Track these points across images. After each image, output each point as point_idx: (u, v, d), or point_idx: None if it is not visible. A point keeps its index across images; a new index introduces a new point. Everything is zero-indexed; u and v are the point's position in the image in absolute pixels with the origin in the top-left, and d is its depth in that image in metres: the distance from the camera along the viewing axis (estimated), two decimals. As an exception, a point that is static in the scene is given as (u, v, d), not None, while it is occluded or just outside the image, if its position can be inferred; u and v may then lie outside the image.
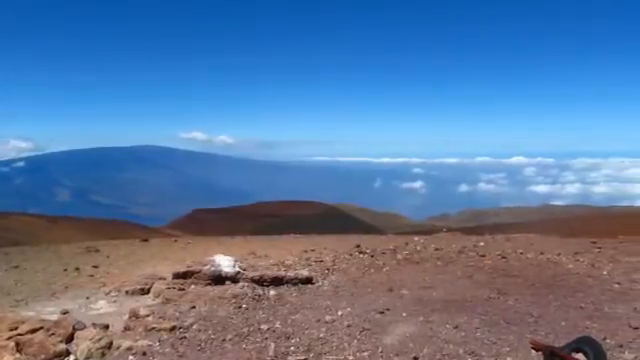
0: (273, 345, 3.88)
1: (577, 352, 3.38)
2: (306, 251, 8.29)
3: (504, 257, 7.14)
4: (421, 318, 4.47)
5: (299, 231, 13.32)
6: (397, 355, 3.70)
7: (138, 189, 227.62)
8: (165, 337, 4.05)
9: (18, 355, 3.81)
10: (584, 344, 3.41)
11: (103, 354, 3.76)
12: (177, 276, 5.71)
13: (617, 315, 4.52)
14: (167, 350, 3.84)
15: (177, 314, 4.57)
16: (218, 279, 5.58)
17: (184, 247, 10.00)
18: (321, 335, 4.09)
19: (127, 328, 4.27)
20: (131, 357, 3.74)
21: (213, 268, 5.69)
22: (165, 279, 5.91)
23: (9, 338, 3.99)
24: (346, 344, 3.91)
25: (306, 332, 4.17)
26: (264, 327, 4.27)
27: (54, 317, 4.68)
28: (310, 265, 6.96)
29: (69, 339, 3.94)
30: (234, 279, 5.59)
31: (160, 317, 4.49)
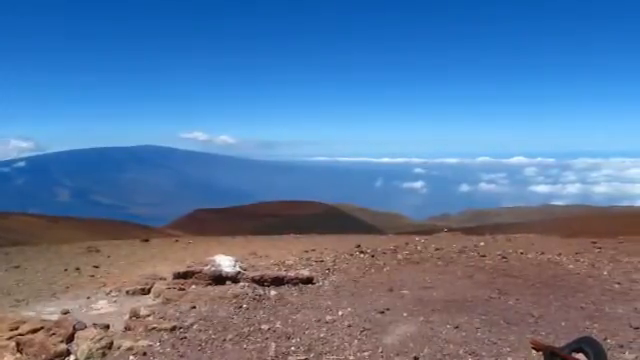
0: (274, 345, 3.88)
1: (578, 352, 3.38)
2: (307, 251, 8.30)
3: (504, 257, 7.14)
4: (421, 318, 4.47)
5: (299, 231, 13.32)
6: (397, 355, 3.70)
7: (138, 189, 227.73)
8: (166, 337, 4.05)
9: (19, 355, 3.82)
10: (585, 344, 3.41)
11: (104, 354, 3.76)
12: (177, 276, 5.72)
13: (618, 315, 4.51)
14: (168, 350, 3.84)
15: (177, 314, 4.57)
16: (219, 279, 5.58)
17: (185, 247, 10.01)
18: (322, 335, 4.09)
19: (128, 328, 4.27)
20: (132, 357, 3.74)
21: (214, 268, 5.69)
22: (165, 279, 5.91)
23: (10, 338, 4.00)
24: (347, 344, 3.91)
25: (307, 332, 4.17)
26: (265, 327, 4.27)
27: (55, 317, 4.68)
28: (311, 265, 6.96)
29: (70, 339, 3.94)
30: (235, 279, 5.59)
31: (161, 317, 4.49)
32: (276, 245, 9.53)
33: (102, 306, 5.34)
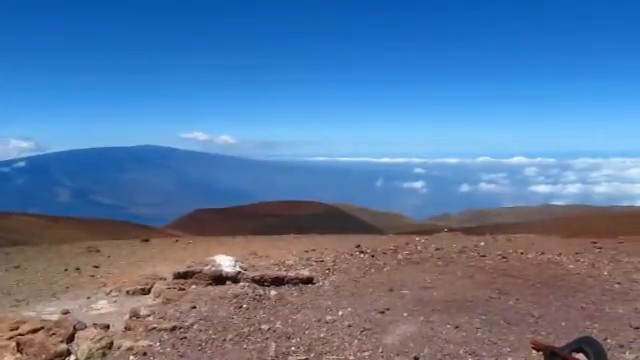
0: (274, 345, 3.88)
1: (578, 352, 3.38)
2: (307, 251, 8.30)
3: (505, 257, 7.14)
4: (422, 318, 4.46)
5: (299, 231, 13.33)
6: (398, 355, 3.70)
7: (138, 189, 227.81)
8: (166, 337, 4.05)
9: (19, 355, 3.82)
10: (585, 344, 3.41)
11: (104, 354, 3.76)
12: (178, 276, 5.72)
13: (618, 315, 4.51)
14: (168, 350, 3.84)
15: (178, 314, 4.57)
16: (219, 279, 5.58)
17: (185, 247, 10.01)
18: (322, 335, 4.09)
19: (128, 328, 4.27)
20: (132, 357, 3.74)
21: (214, 268, 5.69)
22: (166, 279, 5.91)
23: (10, 338, 3.99)
24: (347, 344, 3.91)
25: (307, 332, 4.17)
26: (265, 327, 4.27)
27: (55, 317, 4.68)
28: (311, 265, 6.96)
29: (70, 339, 3.94)
30: (235, 279, 5.59)
31: (161, 317, 4.49)
32: (276, 245, 9.54)
33: (102, 306, 5.34)
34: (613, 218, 44.09)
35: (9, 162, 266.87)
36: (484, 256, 7.26)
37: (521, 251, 7.60)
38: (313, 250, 8.36)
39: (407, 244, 8.57)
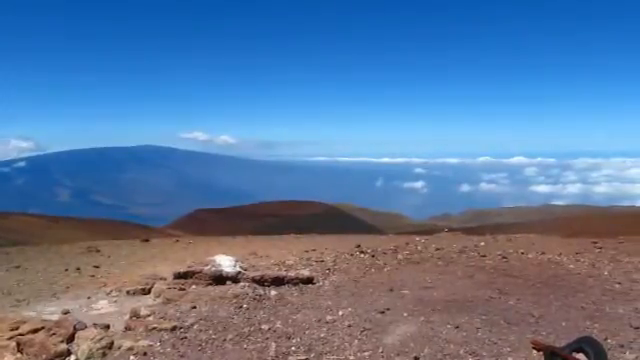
0: (274, 345, 3.88)
1: (578, 352, 3.38)
2: (307, 251, 8.30)
3: (505, 257, 7.14)
4: (422, 318, 4.46)
5: (299, 231, 13.33)
6: (398, 355, 3.70)
7: (138, 189, 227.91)
8: (166, 337, 4.05)
9: (19, 355, 3.82)
10: (585, 344, 3.41)
11: (104, 354, 3.76)
12: (178, 276, 5.72)
13: (618, 315, 4.51)
14: (168, 350, 3.84)
15: (178, 314, 4.57)
16: (219, 279, 5.58)
17: (185, 247, 10.01)
18: (322, 335, 4.09)
19: (128, 328, 4.27)
20: (132, 357, 3.74)
21: (214, 268, 5.69)
22: (166, 279, 5.91)
23: (10, 338, 3.99)
24: (347, 344, 3.91)
25: (307, 332, 4.17)
26: (265, 327, 4.27)
27: (55, 317, 4.68)
28: (311, 265, 6.96)
29: (70, 339, 3.93)
30: (235, 279, 5.59)
31: (161, 317, 4.49)
32: (276, 245, 9.54)
33: (102, 306, 5.34)
34: (613, 218, 44.10)
35: (9, 162, 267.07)
36: (484, 256, 7.26)
37: (521, 251, 7.60)
38: (313, 250, 8.36)
39: (407, 244, 8.57)
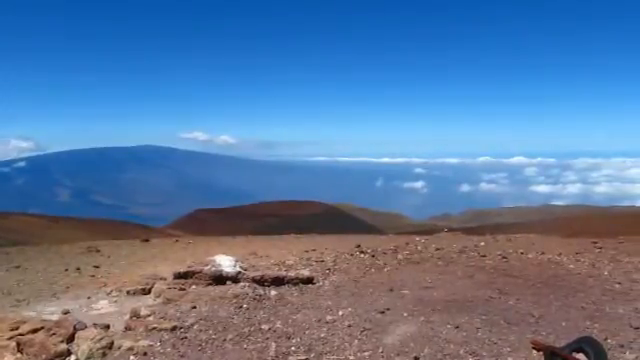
0: (274, 345, 3.88)
1: (578, 352, 3.38)
2: (307, 251, 8.30)
3: (505, 257, 7.14)
4: (422, 318, 4.46)
5: (299, 231, 13.33)
6: (398, 355, 3.70)
7: (138, 189, 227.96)
8: (166, 337, 4.05)
9: (19, 355, 3.82)
10: (585, 344, 3.41)
11: (104, 354, 3.76)
12: (178, 276, 5.72)
13: (618, 315, 4.51)
14: (168, 350, 3.84)
15: (178, 314, 4.57)
16: (219, 279, 5.58)
17: (185, 247, 10.01)
18: (322, 335, 4.09)
19: (128, 328, 4.27)
20: (132, 357, 3.74)
21: (214, 268, 5.69)
22: (166, 279, 5.91)
23: (10, 338, 3.99)
24: (347, 344, 3.91)
25: (307, 332, 4.17)
26: (265, 327, 4.27)
27: (55, 317, 4.68)
28: (311, 265, 6.96)
29: (70, 339, 3.94)
30: (235, 279, 5.59)
31: (161, 317, 4.49)
32: (276, 245, 9.54)
33: (102, 306, 5.34)
34: (613, 218, 44.11)
35: (9, 162, 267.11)
36: (484, 256, 7.26)
37: (521, 251, 7.60)
38: (313, 250, 8.36)
39: (407, 244, 8.57)
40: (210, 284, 5.51)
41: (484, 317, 4.46)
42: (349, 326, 4.27)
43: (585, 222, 38.90)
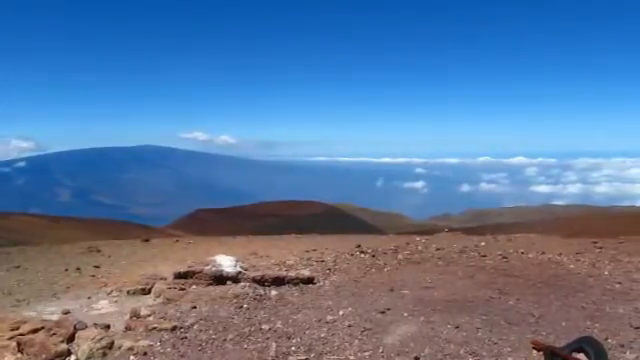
0: (274, 345, 3.88)
1: (578, 352, 3.38)
2: (307, 251, 8.30)
3: (505, 257, 7.14)
4: (422, 318, 4.46)
5: (300, 231, 13.33)
6: (398, 355, 3.70)
7: (139, 189, 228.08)
8: (166, 337, 4.05)
9: (19, 355, 3.82)
10: (585, 344, 3.41)
11: (104, 354, 3.76)
12: (178, 276, 5.72)
13: (618, 315, 4.51)
14: (168, 350, 3.84)
15: (178, 314, 4.57)
16: (219, 279, 5.58)
17: (185, 247, 10.01)
18: (322, 335, 4.09)
19: (128, 328, 4.27)
20: (132, 357, 3.74)
21: (214, 268, 5.69)
22: (166, 279, 5.91)
23: (10, 338, 4.00)
24: (347, 344, 3.91)
25: (307, 332, 4.17)
26: (265, 327, 4.27)
27: (55, 317, 4.68)
28: (311, 265, 6.96)
29: (70, 339, 3.94)
30: (235, 279, 5.59)
31: (161, 317, 4.49)
32: (277, 245, 9.54)
33: (103, 306, 5.34)
34: (614, 218, 44.11)
35: (9, 162, 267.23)
36: (485, 256, 7.26)
37: (522, 251, 7.60)
38: (314, 250, 8.36)
39: (408, 244, 8.57)
40: (210, 284, 5.51)
41: (484, 317, 4.46)
42: (349, 326, 4.27)
43: (585, 222, 38.90)
